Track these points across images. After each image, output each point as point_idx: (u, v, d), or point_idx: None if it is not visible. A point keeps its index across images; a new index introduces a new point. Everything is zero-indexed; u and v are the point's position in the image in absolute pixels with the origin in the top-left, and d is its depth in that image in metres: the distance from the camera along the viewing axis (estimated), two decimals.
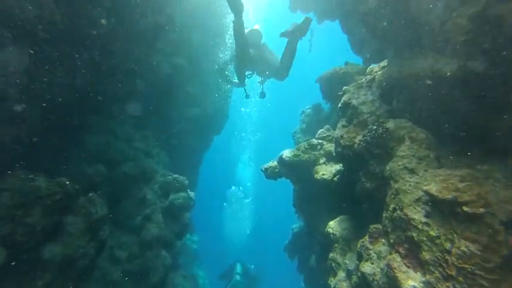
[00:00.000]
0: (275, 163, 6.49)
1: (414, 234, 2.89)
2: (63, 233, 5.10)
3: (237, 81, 7.92)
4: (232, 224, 29.77)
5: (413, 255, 2.98)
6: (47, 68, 5.03)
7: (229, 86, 8.63)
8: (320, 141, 6.28)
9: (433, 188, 2.81)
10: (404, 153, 3.49)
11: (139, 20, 7.21)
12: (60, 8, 4.76)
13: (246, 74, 7.65)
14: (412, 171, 3.29)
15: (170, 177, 8.39)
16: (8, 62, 4.35)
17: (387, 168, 3.75)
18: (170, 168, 9.75)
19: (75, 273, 5.25)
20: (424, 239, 2.78)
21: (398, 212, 3.27)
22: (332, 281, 5.18)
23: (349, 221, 5.28)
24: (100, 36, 5.78)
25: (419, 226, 2.86)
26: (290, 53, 7.04)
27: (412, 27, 3.62)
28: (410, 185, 3.20)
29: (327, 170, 5.82)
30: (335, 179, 5.65)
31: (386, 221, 3.64)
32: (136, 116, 8.84)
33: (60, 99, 5.52)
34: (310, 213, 6.74)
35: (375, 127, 4.04)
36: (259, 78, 7.99)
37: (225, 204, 28.98)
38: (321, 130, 6.63)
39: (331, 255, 5.31)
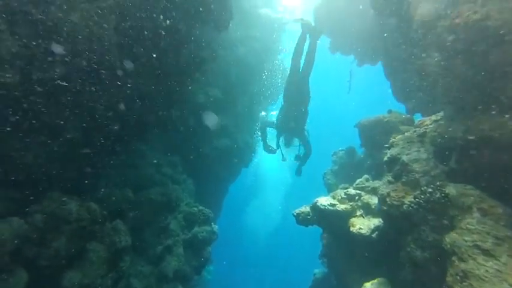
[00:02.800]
0: (307, 209, 6.14)
1: None
2: (85, 259, 4.95)
3: (271, 146, 8.68)
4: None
5: None
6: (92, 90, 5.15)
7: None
8: (358, 191, 5.91)
9: None
10: (473, 227, 3.07)
11: (185, 52, 7.41)
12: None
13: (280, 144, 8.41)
14: (487, 253, 2.85)
15: (196, 208, 8.20)
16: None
17: (447, 240, 3.33)
18: (196, 196, 9.60)
19: None
20: None
21: None
22: None
23: (388, 286, 4.75)
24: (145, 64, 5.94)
25: None
26: (312, 53, 7.63)
27: (484, 86, 3.34)
28: (487, 271, 2.75)
29: (364, 224, 5.39)
30: (373, 235, 5.20)
31: None
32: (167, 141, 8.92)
33: (102, 121, 5.61)
34: (340, 266, 6.22)
35: (430, 190, 3.67)
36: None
37: None
38: (360, 180, 6.26)
39: None
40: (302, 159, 8.43)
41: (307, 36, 7.94)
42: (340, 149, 10.23)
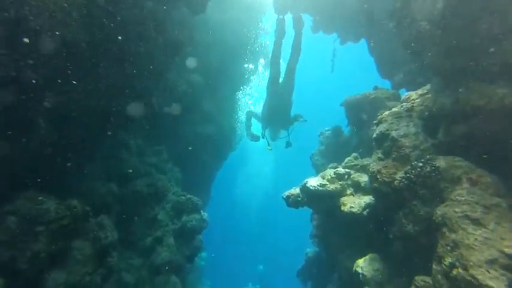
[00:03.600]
0: (297, 191, 6.05)
1: None
2: (70, 258, 4.73)
3: (255, 134, 9.26)
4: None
5: None
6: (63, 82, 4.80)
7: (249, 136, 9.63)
8: (347, 170, 5.85)
9: None
10: (463, 198, 3.03)
11: (158, 37, 7.02)
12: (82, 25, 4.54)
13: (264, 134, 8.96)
14: (477, 222, 2.82)
15: (183, 197, 8.01)
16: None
17: (438, 212, 3.30)
18: (183, 184, 9.41)
19: None
20: None
21: (460, 270, 2.79)
22: None
23: (381, 262, 4.77)
24: (116, 52, 5.57)
25: None
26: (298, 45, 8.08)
27: (473, 54, 3.23)
28: (476, 239, 2.72)
29: (355, 203, 5.36)
30: (364, 212, 5.18)
31: (439, 276, 3.16)
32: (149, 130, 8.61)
33: (75, 113, 5.28)
34: (332, 245, 6.23)
35: (421, 164, 3.60)
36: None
37: None
38: (348, 158, 6.20)
39: None
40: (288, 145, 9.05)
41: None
42: (326, 129, 10.18)
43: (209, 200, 13.31)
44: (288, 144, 9.06)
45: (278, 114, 8.55)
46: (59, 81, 4.54)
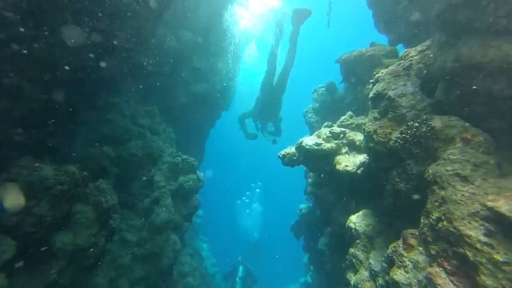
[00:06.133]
0: (293, 150, 6.13)
1: (469, 253, 2.60)
2: (74, 222, 4.87)
3: (252, 133, 10.62)
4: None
5: (464, 275, 2.72)
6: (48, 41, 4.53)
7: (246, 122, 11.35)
8: (342, 129, 5.89)
9: (503, 207, 2.47)
10: (454, 157, 3.12)
11: None
12: None
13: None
14: (465, 179, 2.94)
15: (179, 158, 8.07)
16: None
17: (430, 171, 3.41)
18: (177, 144, 9.44)
19: (87, 262, 5.09)
20: (484, 261, 2.50)
21: (445, 223, 2.97)
22: (352, 277, 5.04)
23: (372, 217, 5.03)
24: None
25: (477, 245, 2.56)
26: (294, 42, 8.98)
27: (480, 6, 3.10)
28: (463, 195, 2.86)
29: (350, 161, 5.49)
30: (359, 171, 5.34)
31: (425, 229, 3.37)
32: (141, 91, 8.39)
33: (61, 76, 5.07)
34: (327, 202, 6.50)
35: (416, 124, 3.64)
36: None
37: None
38: (344, 117, 6.21)
39: (351, 250, 5.12)
40: (274, 133, 10.40)
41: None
42: (320, 86, 10.04)
43: (203, 159, 13.46)
44: (274, 141, 10.57)
45: (268, 110, 9.92)
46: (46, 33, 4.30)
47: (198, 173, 8.49)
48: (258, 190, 29.24)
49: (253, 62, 17.75)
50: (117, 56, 6.56)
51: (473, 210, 2.71)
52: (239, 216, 28.43)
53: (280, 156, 6.23)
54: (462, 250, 2.69)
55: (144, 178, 7.44)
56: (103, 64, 5.93)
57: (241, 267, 13.84)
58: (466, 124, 3.29)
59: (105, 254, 5.72)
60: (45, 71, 4.80)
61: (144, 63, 8.00)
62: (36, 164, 4.21)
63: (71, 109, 5.93)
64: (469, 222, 2.70)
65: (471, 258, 2.59)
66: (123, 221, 6.95)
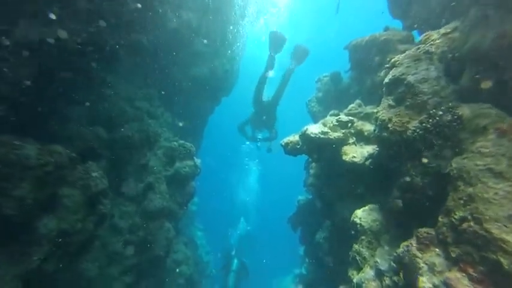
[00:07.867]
0: (297, 138, 5.77)
1: (503, 261, 2.28)
2: (59, 206, 4.51)
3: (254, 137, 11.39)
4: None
5: (492, 284, 2.41)
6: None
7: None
8: (350, 118, 5.52)
9: None
10: (487, 150, 2.77)
11: None
12: None
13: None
14: (499, 176, 2.59)
15: (176, 143, 7.70)
16: None
17: (454, 165, 3.06)
18: (174, 129, 9.05)
19: (73, 248, 4.77)
20: None
21: (473, 224, 2.64)
22: (354, 275, 4.75)
23: (379, 212, 4.72)
24: None
25: None
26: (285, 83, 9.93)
27: None
28: (496, 193, 2.52)
29: (357, 152, 5.14)
30: (367, 163, 5.00)
31: (445, 228, 3.04)
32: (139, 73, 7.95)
33: (53, 51, 4.65)
34: (330, 195, 6.17)
35: (440, 112, 3.27)
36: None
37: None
38: (352, 105, 5.83)
39: (355, 246, 4.82)
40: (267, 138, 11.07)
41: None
42: (324, 74, 9.63)
43: (201, 145, 13.08)
44: (269, 150, 11.07)
45: (263, 122, 10.71)
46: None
47: (195, 159, 8.14)
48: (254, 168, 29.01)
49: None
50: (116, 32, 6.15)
51: (510, 212, 2.37)
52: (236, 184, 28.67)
53: (283, 144, 5.87)
54: (494, 256, 2.37)
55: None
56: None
57: (235, 261, 13.66)
58: (502, 112, 2.92)
59: (94, 240, 5.40)
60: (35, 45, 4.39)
61: (144, 43, 7.57)
62: (17, 142, 3.83)
63: (61, 89, 5.54)
64: (505, 225, 2.37)
65: (506, 267, 2.26)
66: (115, 207, 6.61)
